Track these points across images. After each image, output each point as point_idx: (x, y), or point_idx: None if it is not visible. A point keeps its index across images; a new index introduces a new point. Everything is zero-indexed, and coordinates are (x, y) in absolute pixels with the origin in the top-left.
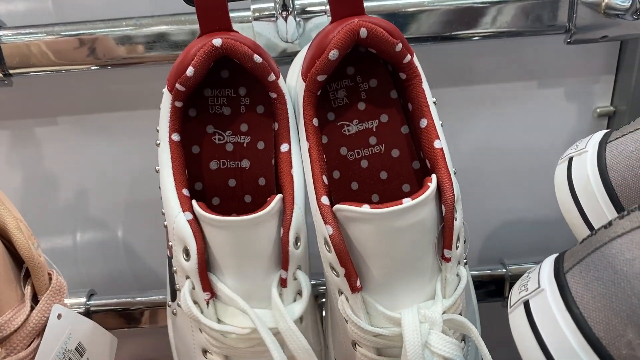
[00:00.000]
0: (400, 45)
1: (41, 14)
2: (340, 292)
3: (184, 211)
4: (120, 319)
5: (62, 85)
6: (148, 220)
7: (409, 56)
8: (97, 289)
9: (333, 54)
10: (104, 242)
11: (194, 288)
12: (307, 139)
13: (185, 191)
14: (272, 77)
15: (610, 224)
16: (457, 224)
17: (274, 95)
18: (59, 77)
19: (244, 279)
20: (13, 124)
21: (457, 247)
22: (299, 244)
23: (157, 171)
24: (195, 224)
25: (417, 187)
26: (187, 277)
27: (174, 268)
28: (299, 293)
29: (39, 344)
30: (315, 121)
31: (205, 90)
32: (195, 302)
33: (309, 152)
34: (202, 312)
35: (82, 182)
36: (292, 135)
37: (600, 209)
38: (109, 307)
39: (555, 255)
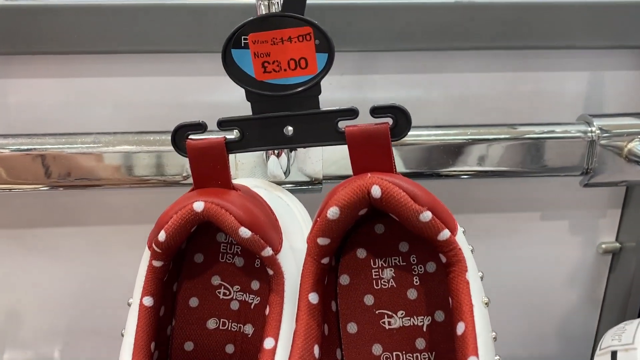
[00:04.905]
0: (428, 214)
1: None
2: None
3: None
4: None
5: (2, 197)
6: (89, 349)
7: (446, 232)
8: None
9: (333, 212)
10: None
11: None
12: (297, 320)
13: None
14: (268, 251)
15: None
16: None
17: (270, 272)
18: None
19: None
20: None
21: None
22: None
23: (122, 334)
24: None
25: None
26: None
27: None
28: None
29: None
30: (312, 297)
31: (219, 234)
32: None
33: (293, 339)
34: None
35: (15, 303)
36: (284, 327)
37: None
38: None
39: None
